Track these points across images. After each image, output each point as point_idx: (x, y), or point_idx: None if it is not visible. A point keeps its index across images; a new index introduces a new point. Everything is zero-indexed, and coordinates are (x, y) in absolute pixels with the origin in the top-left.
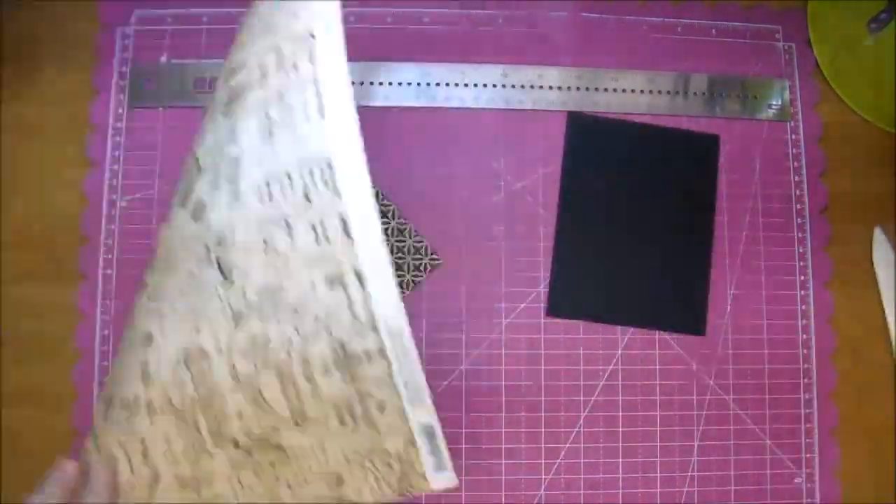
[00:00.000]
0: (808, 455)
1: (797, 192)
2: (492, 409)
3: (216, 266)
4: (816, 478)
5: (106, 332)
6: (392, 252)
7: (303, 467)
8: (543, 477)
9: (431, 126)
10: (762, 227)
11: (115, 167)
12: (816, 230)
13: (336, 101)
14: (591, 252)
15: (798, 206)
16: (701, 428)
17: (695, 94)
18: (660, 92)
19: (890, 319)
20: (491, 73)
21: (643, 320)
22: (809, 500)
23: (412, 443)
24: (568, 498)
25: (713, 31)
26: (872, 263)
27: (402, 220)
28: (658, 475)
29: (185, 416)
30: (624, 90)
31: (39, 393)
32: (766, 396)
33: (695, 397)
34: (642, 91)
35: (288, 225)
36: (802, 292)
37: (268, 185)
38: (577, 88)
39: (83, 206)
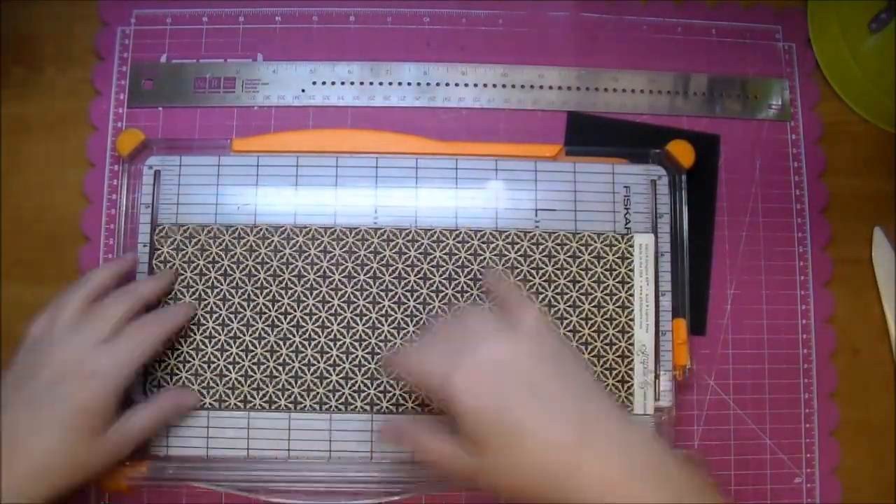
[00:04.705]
0: (808, 455)
1: (797, 192)
2: None
3: None
4: (816, 478)
5: None
6: None
7: None
8: None
9: (431, 126)
10: (762, 227)
11: (116, 167)
12: (816, 230)
13: None
14: None
15: (798, 206)
16: (701, 428)
17: (695, 94)
18: (660, 92)
19: (890, 319)
20: (491, 73)
21: None
22: (809, 500)
23: None
24: None
25: (713, 31)
26: (872, 263)
27: None
28: None
29: None
30: (624, 90)
31: None
32: (766, 396)
33: (695, 397)
34: (642, 91)
35: None
36: (802, 292)
37: None
38: (577, 88)
39: (83, 206)
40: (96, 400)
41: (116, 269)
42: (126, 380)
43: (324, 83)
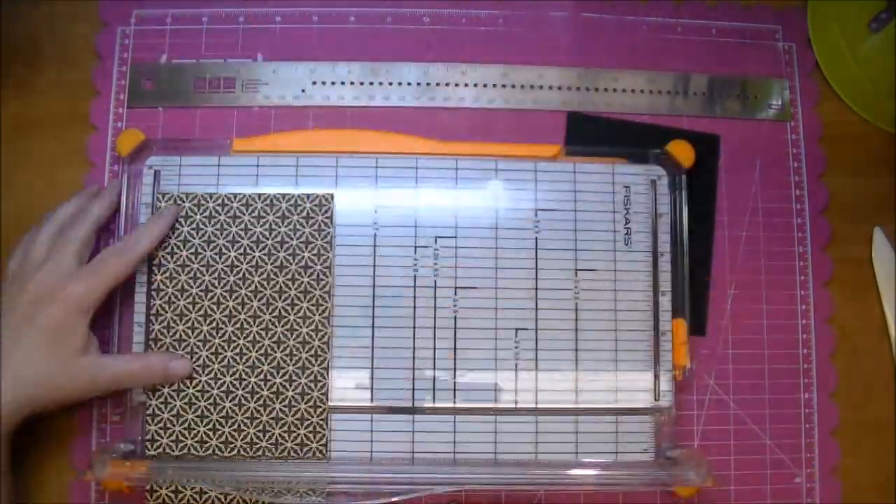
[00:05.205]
0: (808, 455)
1: (797, 192)
2: None
3: None
4: (816, 478)
5: (106, 331)
6: None
7: None
8: None
9: (431, 126)
10: (762, 227)
11: (115, 167)
12: (816, 230)
13: None
14: None
15: (798, 206)
16: (701, 428)
17: (695, 94)
18: (660, 92)
19: (890, 319)
20: (491, 73)
21: None
22: (809, 500)
23: None
24: (570, 498)
25: (713, 31)
26: (872, 263)
27: None
28: None
29: None
30: (624, 90)
31: None
32: (766, 396)
33: (695, 397)
34: (642, 91)
35: None
36: (802, 292)
37: None
38: (577, 88)
39: None
40: (68, 320)
41: (79, 202)
42: (95, 302)
43: (324, 83)
